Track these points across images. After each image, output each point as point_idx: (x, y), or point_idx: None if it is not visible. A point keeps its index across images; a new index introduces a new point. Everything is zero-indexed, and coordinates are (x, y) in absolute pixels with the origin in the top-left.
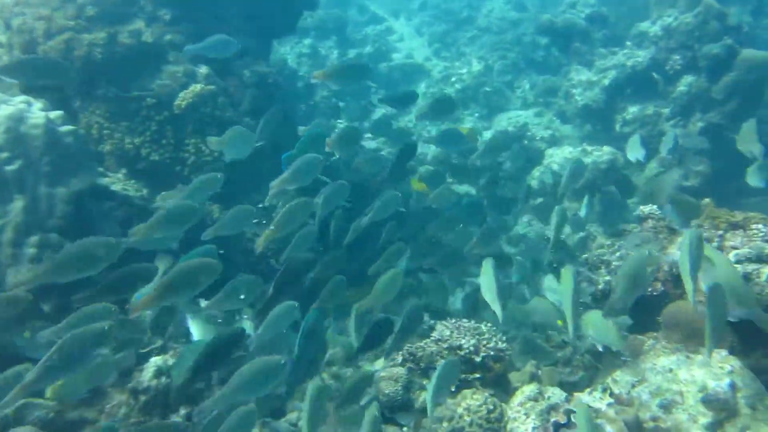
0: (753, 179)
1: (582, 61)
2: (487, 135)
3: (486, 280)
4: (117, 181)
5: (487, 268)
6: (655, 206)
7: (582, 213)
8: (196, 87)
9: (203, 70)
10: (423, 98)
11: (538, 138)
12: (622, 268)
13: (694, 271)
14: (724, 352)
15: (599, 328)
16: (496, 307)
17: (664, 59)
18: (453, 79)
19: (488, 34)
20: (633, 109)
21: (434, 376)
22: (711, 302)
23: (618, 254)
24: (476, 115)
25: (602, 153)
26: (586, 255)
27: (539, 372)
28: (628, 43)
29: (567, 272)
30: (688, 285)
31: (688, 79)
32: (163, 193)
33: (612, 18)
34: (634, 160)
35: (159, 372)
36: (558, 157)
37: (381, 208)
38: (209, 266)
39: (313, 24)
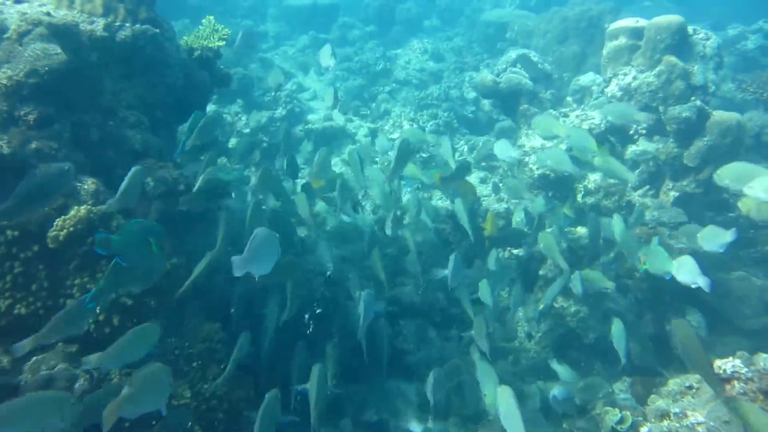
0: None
1: (531, 124)
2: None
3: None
4: None
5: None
6: (739, 361)
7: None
8: (80, 210)
9: (89, 184)
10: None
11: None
12: None
13: None
14: None
15: None
16: None
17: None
18: None
19: (408, 87)
20: (594, 177)
21: None
22: None
23: None
24: (416, 186)
25: (578, 235)
26: (648, 426)
27: None
28: (569, 98)
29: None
30: None
31: (653, 146)
32: (35, 358)
33: (554, 75)
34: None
35: None
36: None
37: None
38: None
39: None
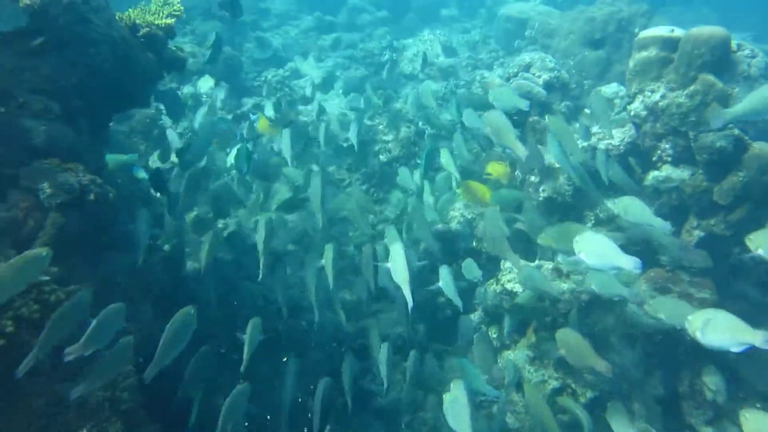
0: None
1: (541, 140)
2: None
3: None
4: None
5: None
6: None
7: None
8: None
9: None
10: None
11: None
12: None
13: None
14: None
15: None
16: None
17: (650, 147)
18: (377, 147)
19: (414, 81)
20: (608, 205)
21: None
22: None
23: None
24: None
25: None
26: None
27: None
28: (587, 111)
29: None
30: None
31: (679, 173)
32: None
33: (572, 83)
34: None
35: None
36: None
37: None
38: None
39: (197, 66)
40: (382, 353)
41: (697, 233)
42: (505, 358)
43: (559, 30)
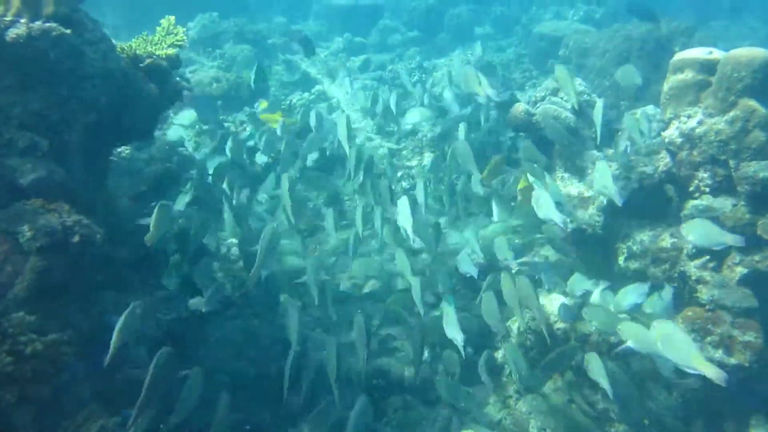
0: None
1: (569, 167)
2: None
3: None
4: None
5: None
6: None
7: None
8: None
9: None
10: None
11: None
12: None
13: None
14: None
15: None
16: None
17: (686, 176)
18: (400, 173)
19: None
20: (642, 237)
21: None
22: None
23: None
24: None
25: None
26: None
27: None
28: (620, 132)
29: None
30: None
31: (721, 202)
32: None
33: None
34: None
35: None
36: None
37: None
38: None
39: (220, 91)
40: (414, 286)
41: (740, 270)
42: (529, 402)
43: (594, 49)
